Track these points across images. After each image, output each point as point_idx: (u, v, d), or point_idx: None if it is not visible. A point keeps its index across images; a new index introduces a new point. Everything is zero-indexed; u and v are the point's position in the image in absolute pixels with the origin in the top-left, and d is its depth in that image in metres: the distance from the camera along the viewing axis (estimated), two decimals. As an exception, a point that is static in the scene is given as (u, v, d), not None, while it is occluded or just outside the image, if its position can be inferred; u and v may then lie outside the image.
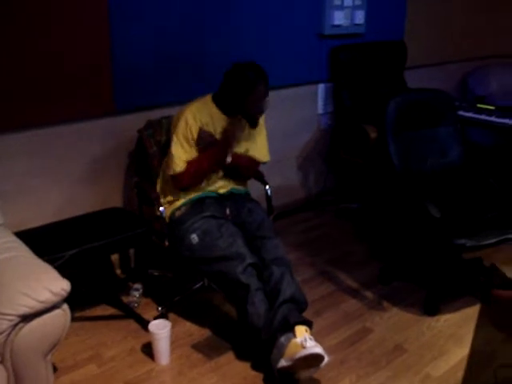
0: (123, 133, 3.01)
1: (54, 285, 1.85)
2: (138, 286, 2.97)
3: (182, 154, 2.61)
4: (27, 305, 1.78)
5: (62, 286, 1.87)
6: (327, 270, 3.27)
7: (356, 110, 3.85)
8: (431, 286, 2.93)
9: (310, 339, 2.22)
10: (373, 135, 3.45)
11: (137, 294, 2.93)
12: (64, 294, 1.87)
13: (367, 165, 3.53)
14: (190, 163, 2.61)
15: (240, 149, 2.71)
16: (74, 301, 2.77)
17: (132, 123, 2.99)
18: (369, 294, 3.01)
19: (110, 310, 2.85)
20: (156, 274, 3.11)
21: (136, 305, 2.88)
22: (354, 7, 3.81)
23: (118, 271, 3.20)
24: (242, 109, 2.60)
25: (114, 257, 3.16)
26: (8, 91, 2.57)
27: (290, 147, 3.98)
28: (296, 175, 4.10)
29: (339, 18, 3.73)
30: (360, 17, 3.85)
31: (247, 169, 2.81)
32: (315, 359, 2.19)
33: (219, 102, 2.67)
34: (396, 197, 3.00)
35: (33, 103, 2.66)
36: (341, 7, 3.73)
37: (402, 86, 4.10)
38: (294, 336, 2.24)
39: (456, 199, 2.96)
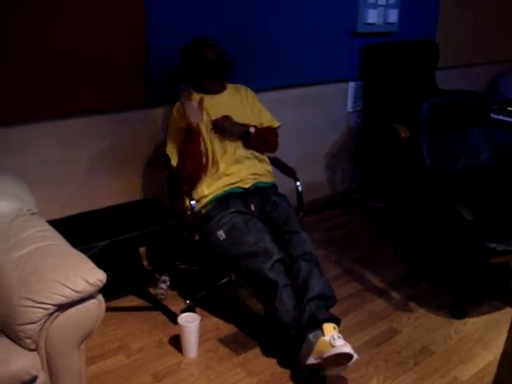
0: (156, 125, 3.02)
1: (90, 275, 1.86)
2: (165, 278, 2.98)
3: (173, 146, 2.70)
4: (63, 294, 1.79)
5: (99, 276, 1.88)
6: (353, 269, 3.27)
7: (386, 109, 3.83)
8: (458, 289, 2.91)
9: (339, 337, 2.21)
10: (403, 135, 3.42)
11: (164, 286, 2.95)
12: (100, 284, 1.88)
13: (397, 164, 3.50)
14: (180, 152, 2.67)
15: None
16: (103, 291, 2.82)
17: (163, 116, 3.00)
18: (395, 295, 3.00)
19: (137, 301, 2.88)
20: (183, 266, 3.12)
21: (163, 297, 2.90)
22: (388, 6, 3.77)
23: (145, 263, 3.22)
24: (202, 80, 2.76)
25: (142, 248, 3.18)
26: (40, 80, 2.59)
27: (318, 144, 3.98)
28: (323, 172, 4.10)
29: (372, 17, 3.71)
30: (393, 16, 3.82)
31: (270, 139, 2.88)
32: (344, 358, 2.19)
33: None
34: (426, 197, 2.97)
35: (65, 93, 2.67)
36: (374, 5, 3.70)
37: (433, 86, 4.06)
38: (323, 333, 2.24)
39: (487, 202, 2.93)
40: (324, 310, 2.37)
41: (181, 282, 3.04)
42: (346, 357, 2.18)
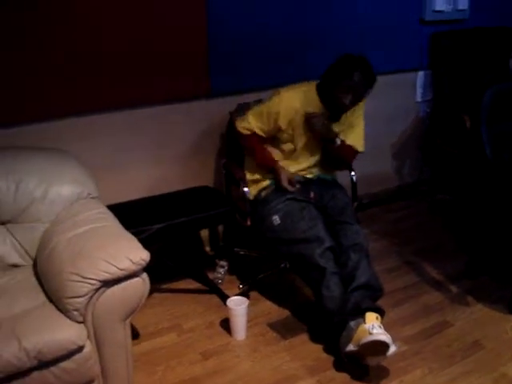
0: (217, 115, 3.11)
1: (134, 254, 1.97)
2: (223, 263, 3.08)
3: (255, 121, 2.69)
4: (108, 271, 1.91)
5: (142, 255, 1.98)
6: (413, 261, 3.22)
7: (456, 99, 3.71)
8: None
9: (380, 327, 2.22)
10: (469, 124, 3.32)
11: (222, 270, 3.05)
12: (143, 263, 1.98)
13: (462, 154, 3.40)
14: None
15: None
16: (163, 273, 2.98)
17: (226, 106, 3.09)
18: (453, 288, 2.93)
19: (195, 285, 3.00)
20: (242, 252, 3.20)
21: (220, 281, 3.00)
22: (458, -8, 3.66)
23: (208, 248, 3.34)
24: (330, 95, 2.60)
25: (204, 234, 3.30)
26: (109, 72, 2.75)
27: (387, 134, 3.92)
28: (390, 163, 4.04)
29: (441, 4, 3.60)
30: (464, 2, 3.69)
31: (347, 157, 2.82)
32: (380, 347, 2.18)
33: (319, 89, 2.68)
34: (488, 188, 2.88)
35: (133, 84, 2.82)
36: (443, -8, 3.60)
37: (507, 74, 3.89)
38: (364, 322, 2.25)
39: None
40: (368, 300, 2.38)
41: (239, 268, 3.12)
42: (383, 345, 2.18)
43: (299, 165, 2.77)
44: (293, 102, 2.64)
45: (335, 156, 2.77)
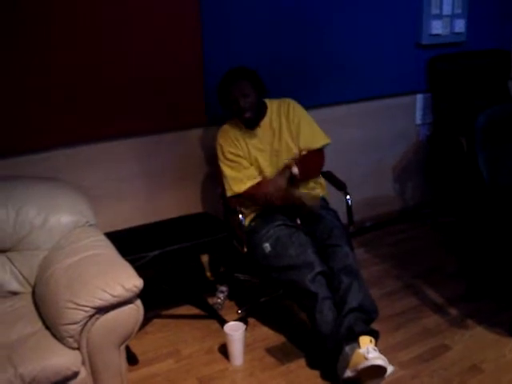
0: (212, 143, 3.15)
1: (127, 281, 2.00)
2: (223, 288, 3.10)
3: (235, 173, 2.76)
4: (102, 298, 1.95)
5: (135, 283, 2.02)
6: (413, 284, 3.21)
7: (454, 121, 3.74)
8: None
9: (374, 350, 2.22)
10: (467, 147, 3.34)
11: (221, 296, 3.06)
12: (136, 290, 2.02)
13: (460, 177, 3.42)
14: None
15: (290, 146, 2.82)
16: (163, 299, 3.00)
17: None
18: (453, 311, 2.92)
19: (194, 310, 3.02)
20: (242, 278, 3.21)
21: (220, 306, 3.01)
22: (454, 16, 3.71)
23: (208, 274, 3.36)
24: (234, 113, 2.75)
25: (205, 260, 3.33)
26: (105, 103, 2.81)
27: (387, 157, 3.95)
28: (392, 186, 4.06)
29: (437, 28, 3.66)
30: (460, 25, 3.74)
31: (314, 167, 2.89)
32: (378, 371, 2.19)
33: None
34: (487, 212, 2.89)
35: (128, 113, 2.88)
36: (439, 16, 3.66)
37: (506, 96, 3.92)
38: (359, 346, 2.25)
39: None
40: (361, 323, 2.37)
41: (239, 293, 3.14)
42: (380, 369, 2.18)
43: None
44: (225, 133, 2.81)
45: (305, 178, 2.83)
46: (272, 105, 2.85)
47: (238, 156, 2.77)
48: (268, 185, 2.75)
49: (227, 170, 2.77)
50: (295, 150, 2.83)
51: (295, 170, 2.74)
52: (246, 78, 2.70)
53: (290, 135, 2.82)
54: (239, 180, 2.75)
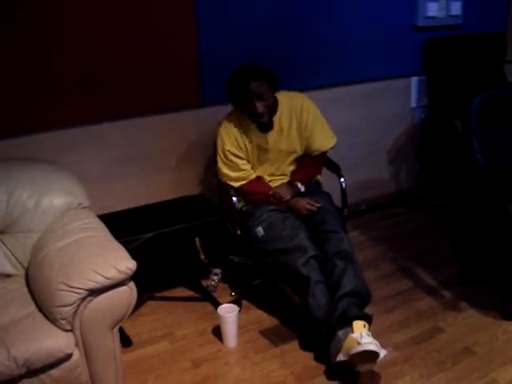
0: (207, 125, 3.14)
1: (120, 263, 1.99)
2: (217, 270, 3.10)
3: (229, 172, 2.75)
4: (95, 280, 1.94)
5: (128, 265, 2.01)
6: (408, 267, 3.22)
7: (449, 104, 3.72)
8: (510, 290, 2.79)
9: (368, 335, 2.22)
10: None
11: (216, 278, 3.07)
12: (129, 272, 2.01)
13: (455, 161, 3.41)
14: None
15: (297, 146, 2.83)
16: (157, 281, 3.00)
17: (217, 115, 3.11)
18: (446, 294, 2.93)
19: (188, 292, 3.02)
20: (236, 260, 3.21)
21: (214, 289, 3.02)
22: (450, -2, 3.68)
23: (202, 256, 3.35)
24: (247, 112, 2.66)
25: (199, 242, 3.32)
26: (100, 82, 2.78)
27: (382, 140, 3.94)
28: (387, 169, 4.05)
29: (433, 10, 3.62)
30: (456, 8, 3.71)
31: (315, 174, 2.95)
32: (370, 355, 2.19)
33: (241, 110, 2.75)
34: (478, 195, 2.88)
35: (123, 95, 2.86)
36: (435, -2, 3.62)
37: (501, 80, 3.90)
38: (352, 330, 2.25)
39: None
40: (355, 308, 2.38)
41: (233, 275, 3.14)
42: (373, 354, 2.19)
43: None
44: (228, 130, 2.74)
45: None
46: (283, 99, 2.76)
47: (237, 157, 2.74)
48: (269, 190, 2.77)
49: (223, 167, 2.77)
50: (300, 152, 2.84)
51: (302, 188, 2.79)
52: (263, 79, 2.61)
53: (298, 136, 2.81)
54: (233, 179, 2.77)
